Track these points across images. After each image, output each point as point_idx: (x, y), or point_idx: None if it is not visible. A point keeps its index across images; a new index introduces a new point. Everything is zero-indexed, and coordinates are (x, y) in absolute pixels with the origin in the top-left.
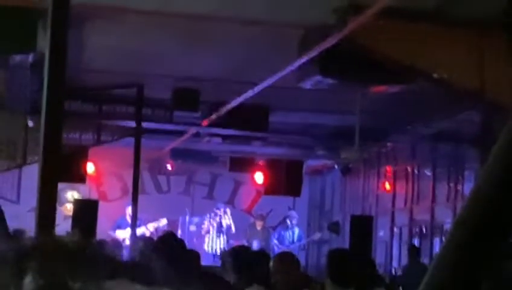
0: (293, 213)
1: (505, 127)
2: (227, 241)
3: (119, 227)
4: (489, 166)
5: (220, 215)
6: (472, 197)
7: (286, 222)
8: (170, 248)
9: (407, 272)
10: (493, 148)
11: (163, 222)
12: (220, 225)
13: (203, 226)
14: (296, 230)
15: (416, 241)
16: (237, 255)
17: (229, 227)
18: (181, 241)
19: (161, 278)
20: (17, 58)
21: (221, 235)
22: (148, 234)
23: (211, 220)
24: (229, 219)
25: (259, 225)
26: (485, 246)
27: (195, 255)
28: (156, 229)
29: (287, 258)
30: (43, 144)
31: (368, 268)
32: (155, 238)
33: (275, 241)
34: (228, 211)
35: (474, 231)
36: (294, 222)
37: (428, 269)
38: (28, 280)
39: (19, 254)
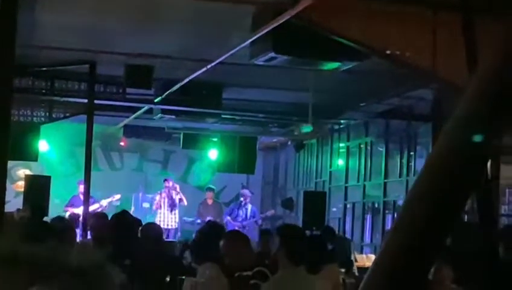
0: (246, 191)
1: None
2: (180, 217)
3: (73, 205)
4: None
5: (170, 189)
6: (428, 169)
7: (239, 198)
8: (126, 224)
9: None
10: (445, 125)
11: (117, 197)
12: (171, 200)
13: (155, 201)
14: (249, 207)
15: (368, 217)
16: (198, 232)
17: (180, 201)
18: (136, 219)
19: None
20: None
21: (174, 211)
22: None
23: (163, 195)
24: (178, 193)
25: (209, 200)
26: (443, 216)
27: (157, 229)
28: (110, 204)
29: (236, 238)
30: None
31: (319, 244)
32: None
33: (228, 218)
34: (177, 186)
35: (432, 202)
36: (247, 199)
37: (382, 245)
38: None
39: None
